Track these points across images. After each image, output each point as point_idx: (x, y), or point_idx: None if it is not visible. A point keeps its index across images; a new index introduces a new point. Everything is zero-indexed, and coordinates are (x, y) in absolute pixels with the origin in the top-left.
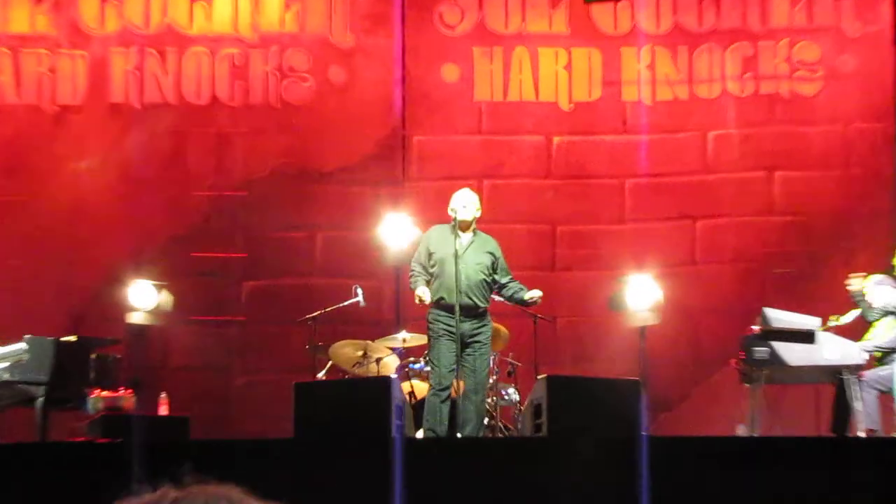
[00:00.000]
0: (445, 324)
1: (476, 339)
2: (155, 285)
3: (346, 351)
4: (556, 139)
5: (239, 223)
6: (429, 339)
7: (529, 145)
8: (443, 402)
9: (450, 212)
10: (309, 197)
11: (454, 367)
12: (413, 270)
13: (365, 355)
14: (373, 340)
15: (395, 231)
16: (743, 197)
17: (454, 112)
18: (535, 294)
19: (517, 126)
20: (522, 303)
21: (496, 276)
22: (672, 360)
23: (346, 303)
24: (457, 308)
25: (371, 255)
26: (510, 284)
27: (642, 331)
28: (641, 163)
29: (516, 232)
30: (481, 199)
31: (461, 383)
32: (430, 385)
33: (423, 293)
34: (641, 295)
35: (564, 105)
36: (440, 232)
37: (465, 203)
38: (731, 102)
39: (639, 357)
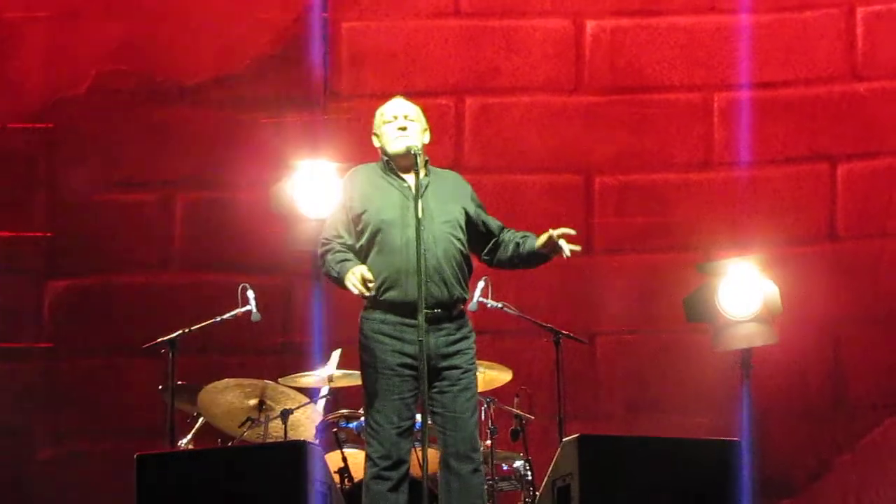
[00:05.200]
0: (393, 339)
1: (452, 361)
2: None
3: (228, 398)
4: (590, 24)
5: (38, 179)
6: (362, 372)
7: (545, 35)
8: (392, 490)
9: (374, 140)
10: (160, 131)
11: (410, 419)
12: (326, 245)
13: (262, 406)
14: (275, 380)
15: (312, 189)
16: None
17: None
18: (556, 232)
19: (522, 1)
20: (535, 257)
21: (477, 231)
22: (797, 407)
23: (227, 315)
24: (420, 305)
25: (269, 233)
26: (505, 234)
27: (745, 357)
28: (740, 64)
29: (525, 187)
30: (463, 127)
31: (421, 452)
32: (367, 459)
33: (365, 273)
34: (742, 295)
35: None
36: (370, 176)
37: (402, 110)
38: None
39: (740, 401)
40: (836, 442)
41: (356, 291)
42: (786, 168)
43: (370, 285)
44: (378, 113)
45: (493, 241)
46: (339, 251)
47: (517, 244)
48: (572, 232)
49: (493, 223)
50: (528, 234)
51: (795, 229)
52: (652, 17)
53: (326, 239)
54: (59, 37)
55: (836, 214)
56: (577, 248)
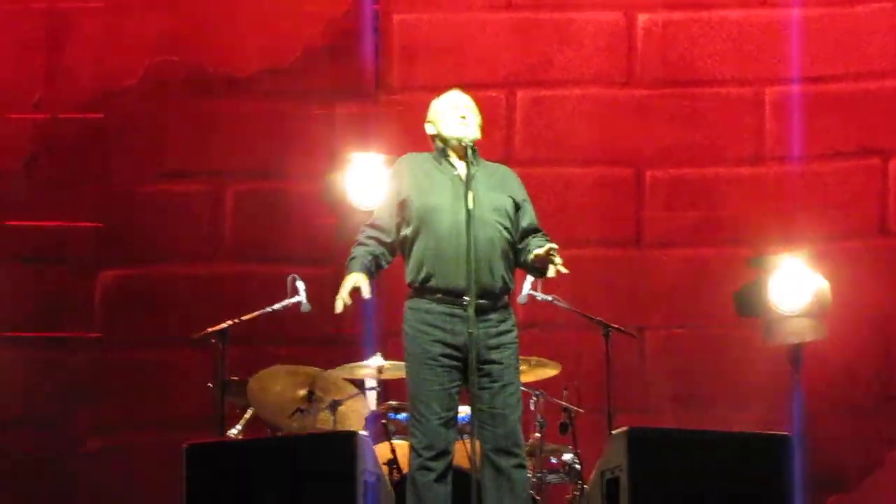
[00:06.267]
0: (437, 328)
1: (495, 355)
2: None
3: (278, 388)
4: (642, 17)
5: (88, 168)
6: (406, 362)
7: (597, 28)
8: (437, 480)
9: (429, 128)
10: (211, 122)
11: (453, 410)
12: (361, 234)
13: (311, 397)
14: (325, 370)
15: (363, 181)
16: None
17: None
18: (542, 251)
19: None
20: (533, 270)
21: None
22: (847, 402)
23: (277, 306)
24: (472, 295)
25: (320, 225)
26: (531, 239)
27: (796, 351)
28: (791, 58)
29: (575, 180)
30: (514, 119)
31: (470, 444)
32: (412, 449)
33: (358, 282)
34: (792, 290)
35: None
36: (421, 163)
37: (462, 104)
38: None
39: (789, 397)
40: (887, 437)
41: (339, 305)
42: (836, 163)
43: (351, 297)
44: (436, 101)
45: (521, 241)
46: (362, 243)
47: (528, 251)
48: (554, 245)
49: (531, 223)
50: (543, 244)
51: (846, 224)
52: (703, 11)
53: (365, 226)
54: (112, 28)
55: (888, 209)
56: (564, 270)
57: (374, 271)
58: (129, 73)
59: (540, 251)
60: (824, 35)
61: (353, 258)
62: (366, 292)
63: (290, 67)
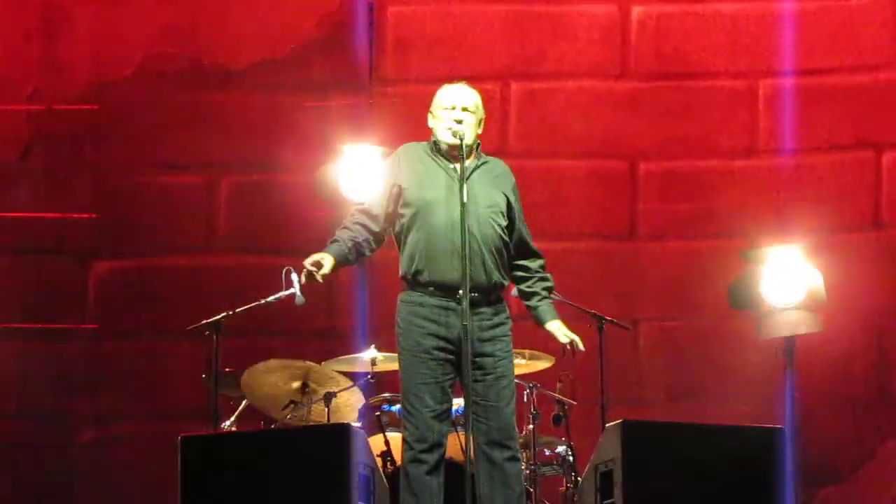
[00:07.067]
0: (430, 322)
1: (488, 348)
2: None
3: (271, 380)
4: (636, 10)
5: (83, 160)
6: (399, 354)
7: (591, 20)
8: (429, 473)
9: (429, 119)
10: (205, 114)
11: (446, 403)
12: (348, 220)
13: (305, 388)
14: (319, 363)
15: (356, 173)
16: None
17: None
18: (563, 335)
19: None
20: (536, 320)
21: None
22: (840, 395)
23: (271, 298)
24: (465, 288)
25: (313, 217)
26: (536, 275)
27: (789, 344)
28: (785, 51)
29: (569, 172)
30: (508, 112)
31: (464, 436)
32: (404, 442)
33: (323, 259)
34: (786, 283)
35: None
36: (418, 155)
37: (462, 101)
38: None
39: (783, 390)
40: (880, 430)
41: (306, 266)
42: (830, 156)
43: (314, 272)
44: (439, 94)
45: (520, 264)
46: (347, 227)
47: (535, 296)
48: (581, 348)
49: (522, 239)
50: (547, 295)
51: (840, 217)
52: (697, 4)
53: (355, 210)
54: (107, 19)
55: (881, 202)
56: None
57: (353, 259)
58: (124, 65)
59: (563, 339)
60: (818, 28)
61: (334, 241)
62: (325, 270)
63: (284, 59)
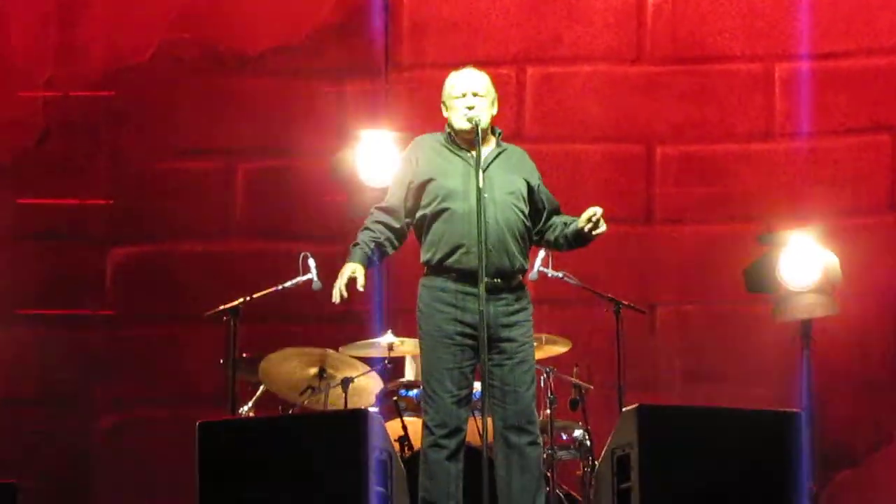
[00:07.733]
0: (452, 307)
1: (509, 333)
2: None
3: (289, 367)
4: None
5: (100, 146)
6: (420, 340)
7: (607, 4)
8: (449, 458)
9: (443, 109)
10: (222, 100)
11: (467, 388)
12: (369, 218)
13: (322, 374)
14: (336, 349)
15: (372, 159)
16: None
17: None
18: (591, 213)
19: None
20: (580, 237)
21: (536, 209)
22: (857, 378)
23: (289, 283)
24: (481, 273)
25: (330, 202)
26: (556, 218)
27: (805, 328)
28: (801, 35)
29: (585, 156)
30: (524, 96)
31: (481, 421)
32: (424, 427)
33: (355, 272)
34: (802, 266)
35: None
36: (434, 146)
37: (471, 87)
38: None
39: (800, 373)
40: None
41: (336, 296)
42: (846, 139)
43: (344, 294)
44: (447, 83)
45: (546, 221)
46: (368, 228)
47: (564, 224)
48: (598, 210)
49: (551, 203)
50: (572, 218)
51: (856, 200)
52: None
53: (374, 209)
54: (123, 5)
55: None
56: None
57: (377, 259)
58: (141, 51)
59: (590, 230)
60: (834, 11)
61: (356, 244)
62: (360, 284)
63: (300, 45)
